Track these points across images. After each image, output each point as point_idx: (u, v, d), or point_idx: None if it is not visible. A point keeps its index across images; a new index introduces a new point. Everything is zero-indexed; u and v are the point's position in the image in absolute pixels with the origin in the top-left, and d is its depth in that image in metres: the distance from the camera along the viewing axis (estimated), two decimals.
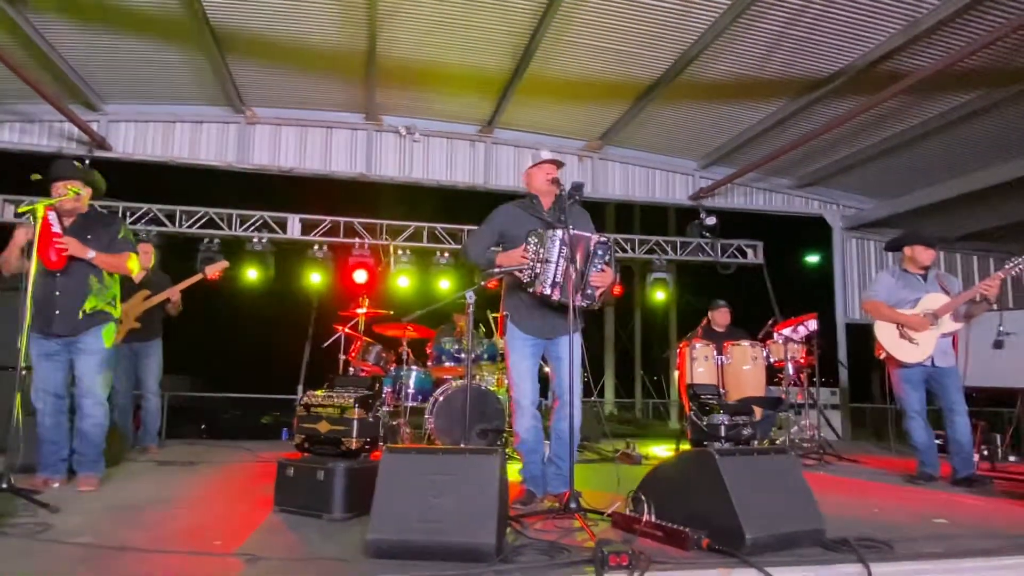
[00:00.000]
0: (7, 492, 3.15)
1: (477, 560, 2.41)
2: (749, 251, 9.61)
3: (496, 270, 3.53)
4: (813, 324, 6.30)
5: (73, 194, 3.79)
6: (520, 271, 3.50)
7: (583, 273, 3.49)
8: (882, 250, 9.75)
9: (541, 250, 3.47)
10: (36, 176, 3.91)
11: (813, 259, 12.74)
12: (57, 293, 3.84)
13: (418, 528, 2.49)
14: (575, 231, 3.47)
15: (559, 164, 3.77)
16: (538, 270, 3.46)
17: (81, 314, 3.87)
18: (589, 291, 3.54)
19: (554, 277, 3.44)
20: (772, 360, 6.25)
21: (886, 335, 4.87)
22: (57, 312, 3.83)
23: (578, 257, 3.47)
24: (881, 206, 9.25)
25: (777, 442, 6.16)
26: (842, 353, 9.24)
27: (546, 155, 3.79)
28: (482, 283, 3.61)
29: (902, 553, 2.59)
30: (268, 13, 5.90)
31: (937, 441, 4.98)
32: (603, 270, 3.54)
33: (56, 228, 3.78)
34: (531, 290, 3.49)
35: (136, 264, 4.10)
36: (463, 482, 2.58)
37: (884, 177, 8.70)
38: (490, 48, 6.41)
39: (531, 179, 3.81)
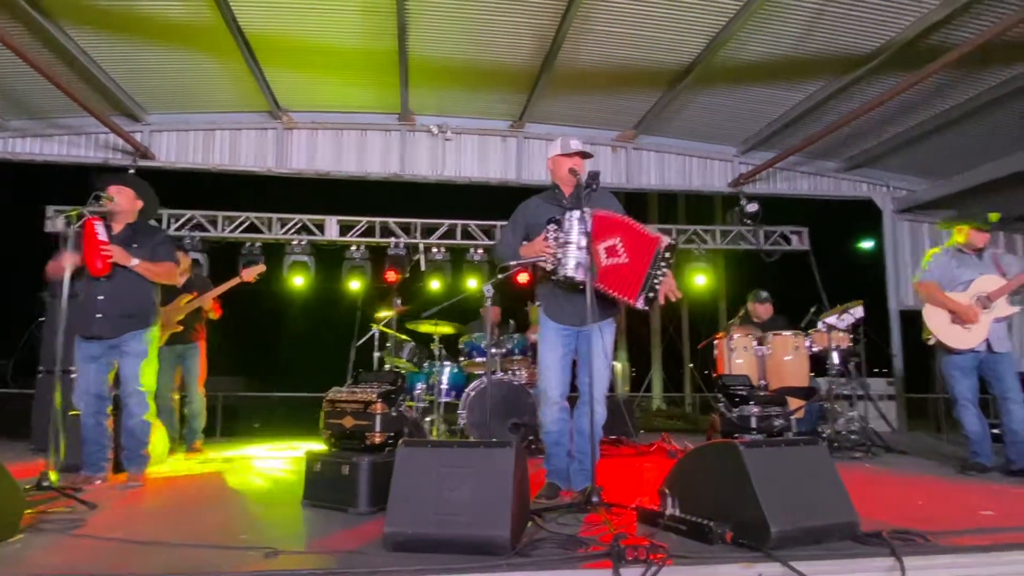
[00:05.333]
0: (49, 490, 3.29)
1: (492, 553, 2.39)
2: (794, 237, 9.30)
3: (512, 263, 3.50)
4: (859, 312, 6.04)
5: (108, 200, 3.92)
6: (543, 261, 3.47)
7: (649, 275, 3.43)
8: (935, 233, 9.33)
9: (560, 234, 3.43)
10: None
11: (864, 244, 12.28)
12: (100, 297, 4.00)
13: (434, 521, 2.48)
14: (614, 215, 3.44)
15: (586, 156, 3.71)
16: (559, 255, 3.42)
17: (122, 318, 4.02)
18: (652, 294, 3.47)
19: (577, 258, 3.38)
20: (816, 350, 6.03)
21: (936, 319, 4.65)
22: (99, 316, 3.98)
23: (617, 241, 3.42)
24: (934, 187, 8.82)
25: (825, 435, 5.93)
26: (896, 341, 8.87)
27: (575, 145, 3.72)
28: (500, 276, 3.58)
29: (940, 547, 2.46)
30: (297, 17, 5.99)
31: (994, 431, 4.74)
32: (666, 274, 3.49)
33: (103, 236, 3.95)
34: (555, 277, 3.45)
35: (176, 274, 4.34)
36: (478, 475, 2.56)
37: (936, 156, 8.29)
38: (517, 42, 6.37)
39: (555, 167, 3.77)
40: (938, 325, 4.63)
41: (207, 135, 8.00)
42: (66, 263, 3.76)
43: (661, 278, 3.43)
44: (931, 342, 4.69)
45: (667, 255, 3.43)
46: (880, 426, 7.49)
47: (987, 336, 4.52)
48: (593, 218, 3.37)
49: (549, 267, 3.47)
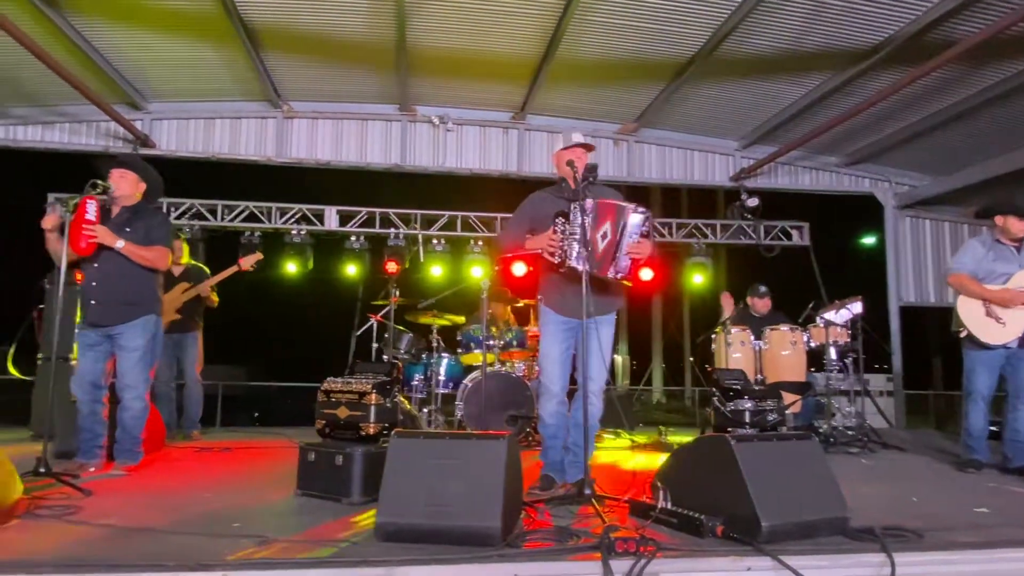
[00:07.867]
0: (44, 476, 3.30)
1: (483, 544, 2.39)
2: (794, 233, 9.28)
3: (510, 255, 3.49)
4: (858, 307, 6.02)
5: (104, 187, 3.89)
6: (551, 254, 3.46)
7: (617, 243, 3.40)
8: (937, 230, 9.33)
9: (568, 227, 3.42)
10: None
11: (865, 240, 12.24)
12: (93, 284, 3.94)
13: (425, 512, 2.49)
14: (608, 199, 3.45)
15: (588, 148, 3.71)
16: (566, 247, 3.41)
17: (116, 306, 3.95)
18: (624, 263, 3.43)
19: (580, 249, 3.36)
20: (813, 345, 6.01)
21: (969, 312, 4.43)
22: (93, 302, 3.94)
23: (608, 225, 3.40)
24: (936, 183, 8.80)
25: (821, 429, 5.93)
26: (895, 338, 8.85)
27: (577, 138, 3.72)
28: (497, 268, 3.58)
29: (931, 543, 2.45)
30: (296, 6, 5.96)
31: (992, 428, 4.69)
32: (639, 241, 3.44)
33: (91, 216, 3.83)
34: (562, 269, 3.44)
35: (167, 260, 4.17)
36: (470, 467, 2.56)
37: (938, 152, 8.26)
38: (518, 32, 6.34)
39: (559, 161, 3.76)
40: (971, 318, 4.42)
41: (207, 124, 7.98)
42: (49, 223, 3.77)
43: (632, 244, 3.40)
44: (962, 334, 4.49)
45: (637, 221, 3.41)
46: (878, 422, 7.50)
47: (1022, 333, 4.32)
48: (596, 207, 3.36)
49: (556, 260, 3.46)
